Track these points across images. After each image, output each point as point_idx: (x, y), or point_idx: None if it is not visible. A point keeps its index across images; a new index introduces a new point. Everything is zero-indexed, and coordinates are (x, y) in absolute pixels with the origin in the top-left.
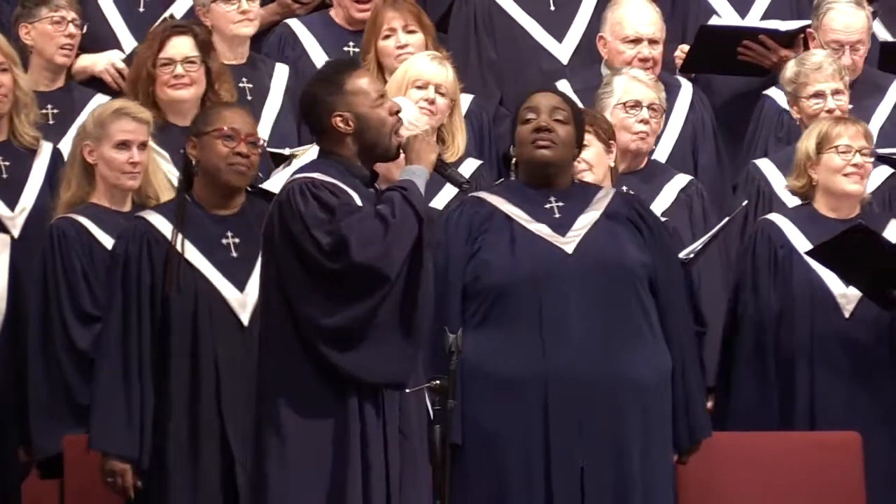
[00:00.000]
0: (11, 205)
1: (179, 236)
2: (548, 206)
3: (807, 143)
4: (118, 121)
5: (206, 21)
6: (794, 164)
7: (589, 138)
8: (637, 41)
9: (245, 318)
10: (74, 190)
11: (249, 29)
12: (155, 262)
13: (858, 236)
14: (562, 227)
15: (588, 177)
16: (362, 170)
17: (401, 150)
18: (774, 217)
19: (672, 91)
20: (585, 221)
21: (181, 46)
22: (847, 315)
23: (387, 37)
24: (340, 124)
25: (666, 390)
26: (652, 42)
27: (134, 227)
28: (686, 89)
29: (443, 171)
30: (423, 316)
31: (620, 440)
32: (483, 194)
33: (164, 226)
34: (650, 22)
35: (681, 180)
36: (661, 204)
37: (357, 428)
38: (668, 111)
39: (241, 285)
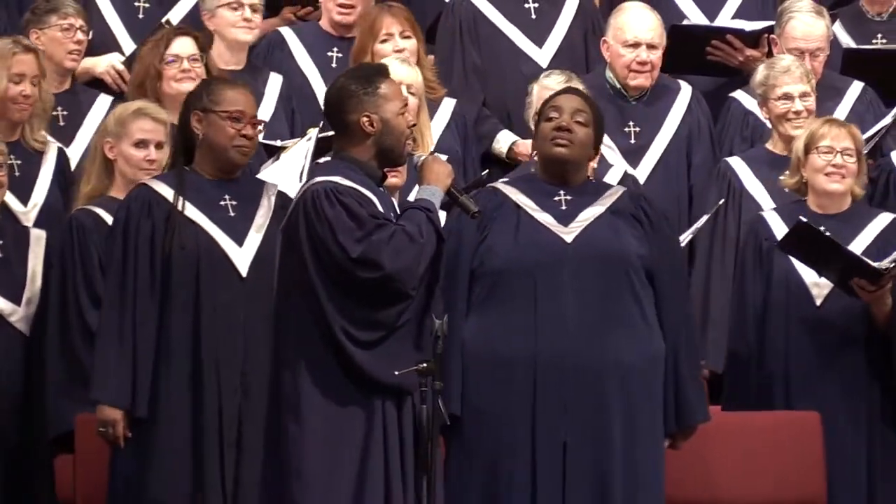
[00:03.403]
0: (24, 201)
1: (181, 199)
2: (556, 198)
3: (798, 143)
4: (138, 120)
5: (209, 25)
6: (791, 162)
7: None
8: (636, 45)
9: (244, 270)
10: (94, 184)
11: (250, 36)
12: (156, 220)
13: (803, 232)
14: (566, 218)
15: None
16: (376, 170)
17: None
18: (765, 213)
19: (671, 93)
20: (589, 214)
21: (185, 45)
22: (818, 303)
23: (384, 41)
24: (367, 125)
25: (655, 375)
26: (650, 47)
27: (137, 191)
28: (685, 92)
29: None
30: (429, 329)
31: (603, 419)
32: (498, 185)
33: (165, 190)
34: (650, 28)
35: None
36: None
37: (380, 419)
38: (664, 112)
39: (239, 240)
